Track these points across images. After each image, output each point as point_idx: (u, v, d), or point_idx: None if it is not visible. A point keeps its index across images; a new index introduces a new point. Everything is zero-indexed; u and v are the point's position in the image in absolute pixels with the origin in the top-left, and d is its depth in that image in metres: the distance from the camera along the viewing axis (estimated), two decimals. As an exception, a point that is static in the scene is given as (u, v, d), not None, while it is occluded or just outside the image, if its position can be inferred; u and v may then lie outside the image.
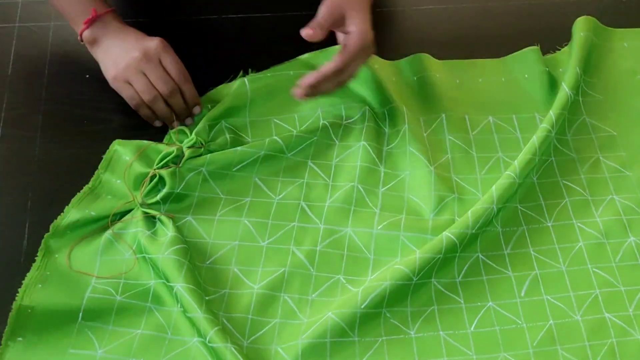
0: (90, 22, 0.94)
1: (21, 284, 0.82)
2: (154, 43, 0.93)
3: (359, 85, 0.99)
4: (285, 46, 1.01)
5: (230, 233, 0.88)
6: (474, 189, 0.93)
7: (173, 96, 0.93)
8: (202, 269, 0.85)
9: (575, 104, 1.01)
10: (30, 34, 1.05)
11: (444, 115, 0.99)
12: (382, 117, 0.98)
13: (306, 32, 0.85)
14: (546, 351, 0.81)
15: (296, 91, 0.88)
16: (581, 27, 1.07)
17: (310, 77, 0.88)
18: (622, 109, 1.02)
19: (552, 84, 1.03)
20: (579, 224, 0.91)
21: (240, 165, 0.92)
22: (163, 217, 0.86)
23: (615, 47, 1.08)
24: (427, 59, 1.04)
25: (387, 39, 1.08)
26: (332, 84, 0.90)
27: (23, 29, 1.05)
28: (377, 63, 1.01)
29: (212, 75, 0.99)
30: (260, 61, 0.98)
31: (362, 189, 0.91)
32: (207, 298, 0.81)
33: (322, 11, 0.88)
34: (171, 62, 0.93)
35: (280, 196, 0.91)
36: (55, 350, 0.78)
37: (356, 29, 0.88)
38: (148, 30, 1.05)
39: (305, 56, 1.01)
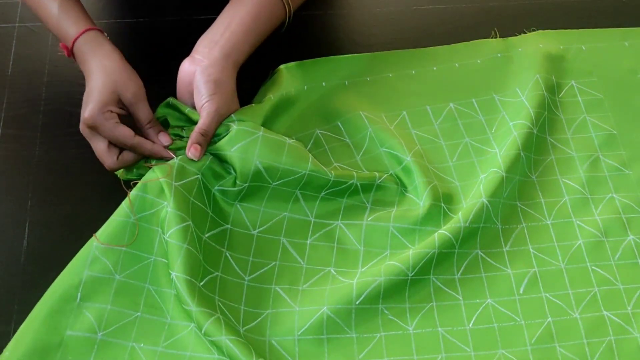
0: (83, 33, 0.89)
1: (21, 283, 0.82)
2: (81, 126, 0.86)
3: (305, 108, 0.98)
4: (286, 46, 1.02)
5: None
6: (450, 177, 0.94)
7: (131, 152, 0.87)
8: (202, 240, 0.84)
9: (574, 103, 1.01)
10: (30, 34, 1.05)
11: (405, 112, 0.99)
12: (338, 131, 0.97)
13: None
14: (544, 348, 0.82)
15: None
16: (537, 39, 1.07)
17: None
18: (623, 108, 1.01)
19: (507, 65, 1.04)
20: (578, 222, 0.91)
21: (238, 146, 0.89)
22: (164, 184, 0.83)
23: (616, 47, 1.08)
24: (377, 56, 1.04)
25: (387, 39, 1.08)
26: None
27: (23, 29, 1.06)
28: (325, 72, 1.00)
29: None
30: (260, 61, 0.98)
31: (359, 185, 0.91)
32: (201, 284, 0.80)
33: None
34: (111, 139, 0.86)
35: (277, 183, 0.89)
36: (53, 333, 0.76)
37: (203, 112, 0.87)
38: (148, 30, 1.05)
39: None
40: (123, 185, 0.86)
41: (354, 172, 0.91)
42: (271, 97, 0.94)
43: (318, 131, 0.96)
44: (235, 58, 0.90)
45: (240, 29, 0.90)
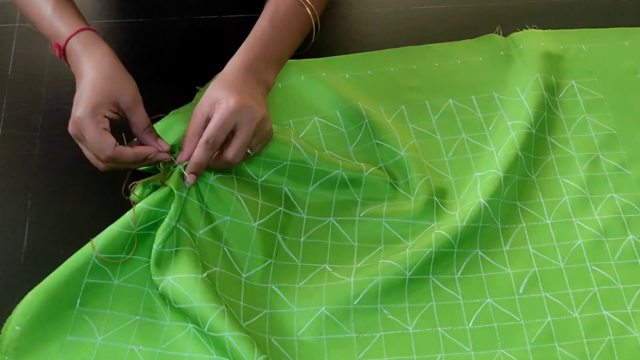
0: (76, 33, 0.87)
1: (21, 283, 0.82)
2: (72, 125, 0.82)
3: (305, 94, 0.98)
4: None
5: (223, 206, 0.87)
6: (444, 172, 0.94)
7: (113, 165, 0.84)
8: (195, 237, 0.84)
9: (574, 103, 1.01)
10: (30, 34, 1.05)
11: (403, 106, 0.99)
12: (335, 119, 0.97)
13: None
14: (544, 348, 0.82)
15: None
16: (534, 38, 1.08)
17: (183, 155, 0.84)
18: (623, 108, 1.02)
19: (508, 64, 1.04)
20: (578, 222, 0.91)
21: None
22: (177, 197, 0.82)
23: (616, 46, 1.08)
24: (379, 53, 1.05)
25: (387, 39, 1.09)
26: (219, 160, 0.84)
27: (23, 29, 1.06)
28: (326, 67, 1.01)
29: (212, 75, 0.99)
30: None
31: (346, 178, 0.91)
32: (201, 276, 0.80)
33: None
34: (89, 144, 0.82)
35: (263, 178, 0.89)
36: (54, 338, 0.77)
37: (219, 107, 0.82)
38: (148, 30, 1.05)
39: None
40: (133, 204, 0.83)
41: (340, 162, 0.90)
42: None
43: (316, 118, 0.96)
44: (254, 64, 0.87)
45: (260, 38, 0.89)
